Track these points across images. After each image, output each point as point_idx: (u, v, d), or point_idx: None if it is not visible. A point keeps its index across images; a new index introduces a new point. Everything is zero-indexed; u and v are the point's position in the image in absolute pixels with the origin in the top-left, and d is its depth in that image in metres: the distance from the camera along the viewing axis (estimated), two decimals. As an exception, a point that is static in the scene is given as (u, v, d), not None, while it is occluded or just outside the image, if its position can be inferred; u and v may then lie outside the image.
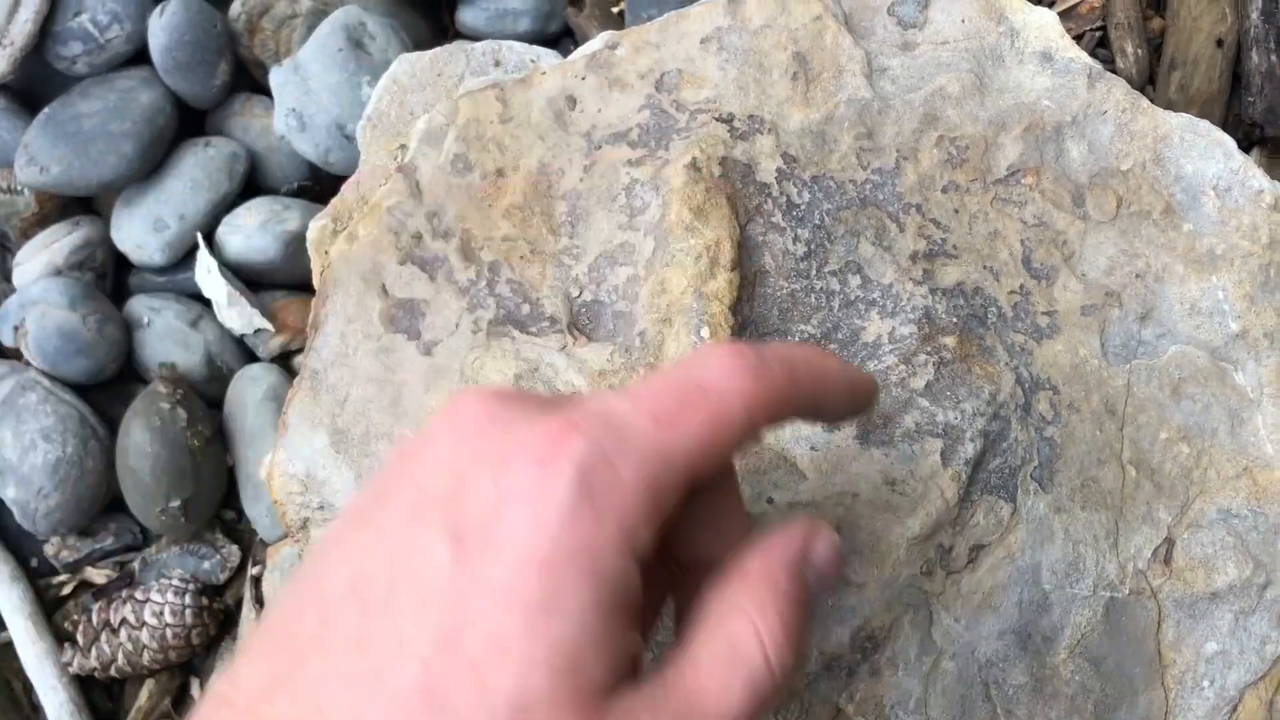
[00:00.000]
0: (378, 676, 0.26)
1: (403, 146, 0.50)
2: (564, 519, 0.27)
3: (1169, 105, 0.59)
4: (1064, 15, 0.62)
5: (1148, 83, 0.60)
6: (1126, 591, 0.42)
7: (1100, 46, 0.62)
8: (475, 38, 0.67)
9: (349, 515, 0.30)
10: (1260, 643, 0.43)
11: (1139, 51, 0.60)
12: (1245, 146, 0.58)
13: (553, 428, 0.28)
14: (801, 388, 0.31)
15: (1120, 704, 0.42)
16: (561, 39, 0.68)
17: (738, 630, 0.28)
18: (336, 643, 0.27)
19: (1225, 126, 0.58)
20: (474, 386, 0.35)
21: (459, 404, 0.30)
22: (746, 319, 0.43)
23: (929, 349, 0.42)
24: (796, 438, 0.41)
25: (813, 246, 0.44)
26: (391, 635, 0.26)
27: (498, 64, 0.53)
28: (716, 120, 0.46)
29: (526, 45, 0.53)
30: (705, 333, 0.42)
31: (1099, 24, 0.62)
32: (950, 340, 0.43)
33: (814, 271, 0.44)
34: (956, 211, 0.46)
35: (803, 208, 0.45)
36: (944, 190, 0.46)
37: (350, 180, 0.50)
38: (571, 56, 0.50)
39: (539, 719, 0.26)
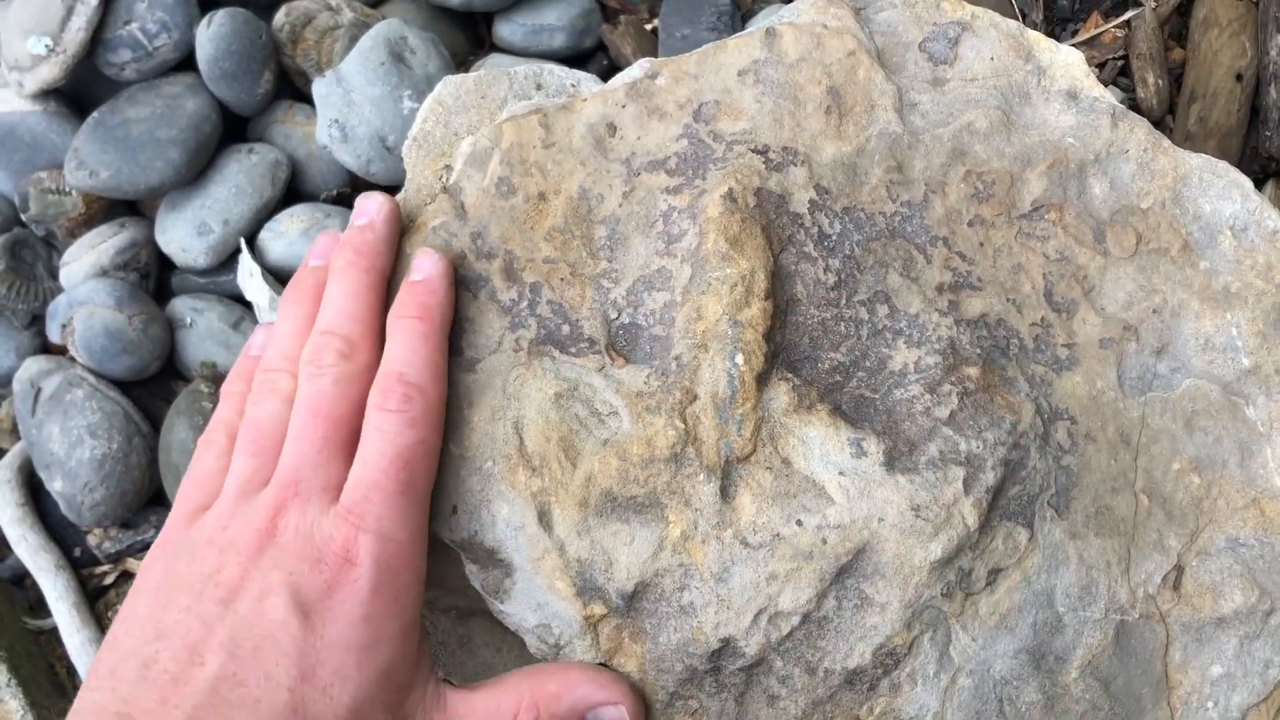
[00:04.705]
0: (258, 702, 0.38)
1: (448, 167, 0.51)
2: (372, 591, 0.40)
3: (1187, 137, 0.60)
4: (1087, 44, 0.64)
5: (1167, 113, 0.62)
6: (1137, 615, 0.44)
7: (1122, 76, 0.64)
8: (511, 52, 0.69)
9: (194, 594, 0.40)
10: (1263, 666, 0.45)
11: (1160, 82, 0.62)
12: (1261, 180, 0.60)
13: (339, 534, 0.41)
14: None
15: (1128, 723, 0.44)
16: (595, 54, 0.70)
17: (512, 706, 0.42)
18: (222, 680, 0.38)
19: (1242, 160, 0.60)
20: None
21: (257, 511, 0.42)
22: (779, 346, 0.45)
23: (953, 379, 0.44)
24: (825, 462, 0.43)
25: (843, 276, 0.46)
26: (264, 674, 0.38)
27: (539, 87, 0.54)
28: (752, 151, 0.48)
29: (567, 70, 0.55)
30: (740, 359, 0.43)
31: (1121, 53, 0.63)
32: (974, 370, 0.44)
33: (844, 301, 0.46)
34: (981, 245, 0.48)
35: (834, 238, 0.47)
36: (970, 224, 0.48)
37: (397, 197, 0.52)
38: (612, 84, 0.51)
39: (367, 713, 0.40)
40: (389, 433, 0.42)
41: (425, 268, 0.46)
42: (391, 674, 0.41)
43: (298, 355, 0.45)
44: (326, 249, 0.49)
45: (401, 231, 0.49)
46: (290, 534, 0.41)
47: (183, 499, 0.44)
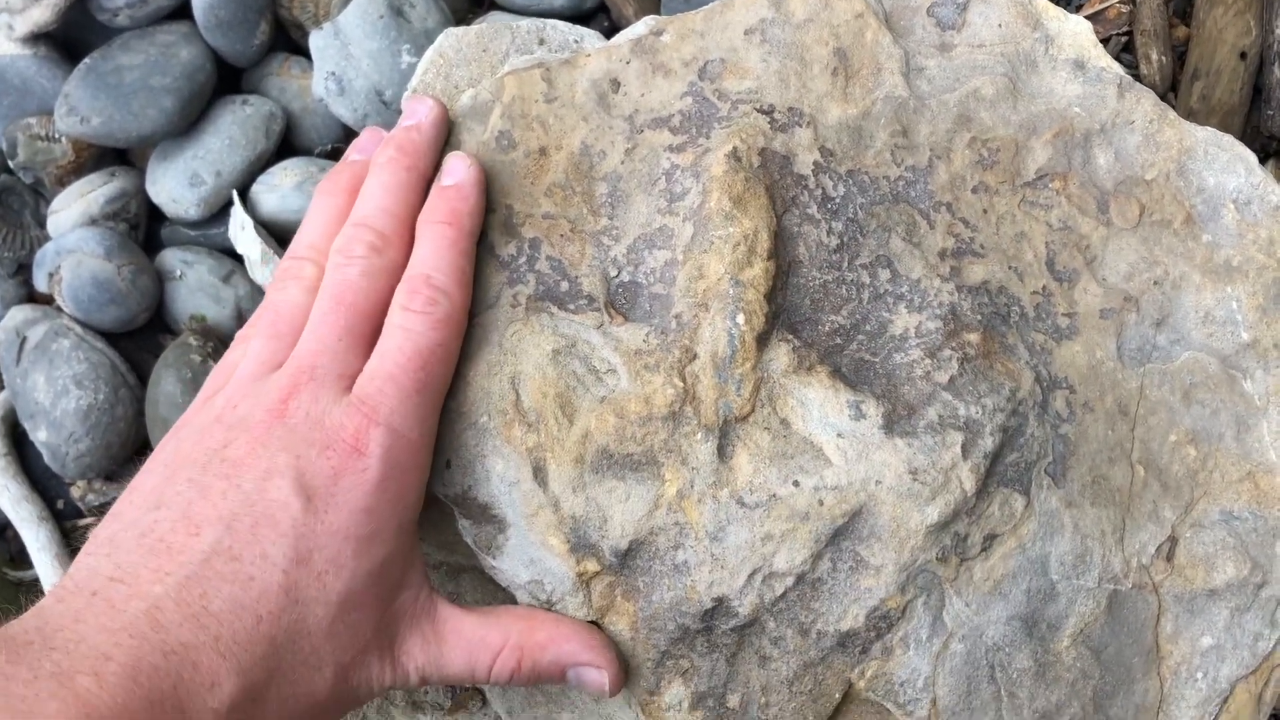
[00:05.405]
0: (251, 579, 0.37)
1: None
2: (378, 484, 0.40)
3: (1190, 114, 0.60)
4: (1091, 19, 0.63)
5: (1170, 90, 0.62)
6: (1129, 585, 0.44)
7: (1125, 52, 0.63)
8: (512, 10, 0.68)
9: (198, 468, 0.40)
10: (1253, 639, 0.45)
11: (1163, 59, 0.61)
12: (1262, 159, 0.60)
13: (350, 423, 0.40)
14: None
15: (1118, 691, 0.44)
16: (596, 15, 0.69)
17: (498, 642, 0.42)
18: (217, 553, 0.37)
19: (1244, 138, 0.60)
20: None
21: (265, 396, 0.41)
22: (780, 307, 0.44)
23: (954, 344, 0.44)
24: (824, 424, 0.43)
25: (845, 239, 0.46)
26: (260, 553, 0.38)
27: (542, 42, 0.54)
28: (757, 111, 0.47)
29: (570, 25, 0.54)
30: (740, 319, 0.43)
31: (1125, 29, 0.63)
32: (974, 337, 0.44)
33: (846, 264, 0.46)
34: (985, 212, 0.47)
35: (837, 201, 0.46)
36: (974, 190, 0.48)
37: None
38: (616, 39, 0.51)
39: (357, 604, 0.39)
40: (412, 331, 0.42)
41: (457, 172, 0.46)
42: (386, 570, 0.41)
43: (325, 246, 0.45)
44: (368, 145, 0.49)
45: (446, 139, 0.48)
46: (301, 417, 0.40)
47: (204, 387, 0.44)
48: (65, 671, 0.34)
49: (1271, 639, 0.45)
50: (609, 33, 0.63)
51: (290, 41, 0.68)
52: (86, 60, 0.63)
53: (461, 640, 0.42)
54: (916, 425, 0.43)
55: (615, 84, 0.49)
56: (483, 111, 0.49)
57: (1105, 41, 0.63)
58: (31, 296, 0.66)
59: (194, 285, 0.64)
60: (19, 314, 0.63)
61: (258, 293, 0.64)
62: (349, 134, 0.66)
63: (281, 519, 0.38)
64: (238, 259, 0.64)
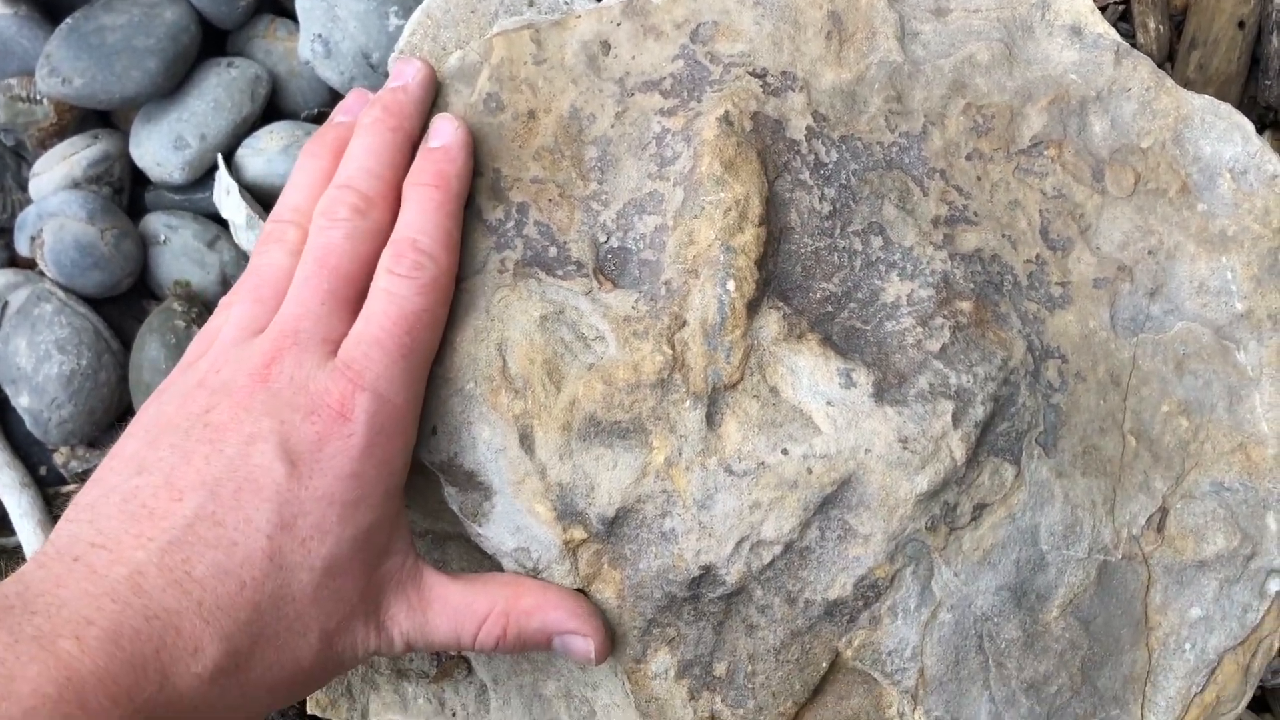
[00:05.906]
0: (234, 545, 0.37)
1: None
2: (363, 449, 0.39)
3: (1187, 84, 0.60)
4: (1089, -14, 0.62)
5: (1167, 60, 0.61)
6: (1119, 555, 0.44)
7: (1122, 20, 0.63)
8: (502, -27, 0.67)
9: (180, 433, 0.39)
10: (1242, 610, 0.45)
11: (1161, 28, 0.61)
12: (1259, 129, 0.59)
13: (335, 388, 0.40)
14: None
15: (1106, 662, 0.44)
16: (587, -21, 0.68)
17: (483, 609, 0.42)
18: (200, 518, 0.37)
19: (1241, 108, 0.59)
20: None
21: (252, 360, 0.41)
22: (770, 274, 0.44)
23: (946, 313, 0.44)
24: (813, 392, 0.42)
25: (838, 206, 0.45)
26: (243, 518, 0.37)
27: (531, 4, 0.53)
28: (750, 74, 0.47)
29: (561, -14, 0.54)
30: (731, 286, 0.43)
31: (1123, -3, 0.62)
32: (966, 305, 0.44)
33: (838, 230, 0.45)
34: (979, 179, 0.47)
35: (830, 167, 0.46)
36: (968, 157, 0.47)
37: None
38: (607, 1, 0.50)
39: (342, 570, 0.39)
40: (397, 295, 0.42)
41: (444, 134, 0.46)
42: (371, 536, 0.40)
43: (309, 209, 0.45)
44: (354, 106, 0.49)
45: (433, 101, 0.48)
46: (284, 382, 0.40)
47: (187, 352, 0.44)
48: (46, 635, 0.33)
49: (1260, 610, 0.45)
50: (600, -4, 0.62)
51: (276, 3, 0.67)
52: (68, 20, 0.62)
53: (447, 607, 0.42)
54: (907, 394, 0.42)
55: (606, 46, 0.48)
56: (470, 73, 0.48)
57: (1103, 10, 0.63)
58: (13, 260, 0.65)
59: (178, 250, 0.63)
60: (0, 278, 0.62)
61: (243, 258, 0.63)
62: (335, 97, 0.65)
63: (265, 484, 0.38)
64: (223, 224, 0.64)
